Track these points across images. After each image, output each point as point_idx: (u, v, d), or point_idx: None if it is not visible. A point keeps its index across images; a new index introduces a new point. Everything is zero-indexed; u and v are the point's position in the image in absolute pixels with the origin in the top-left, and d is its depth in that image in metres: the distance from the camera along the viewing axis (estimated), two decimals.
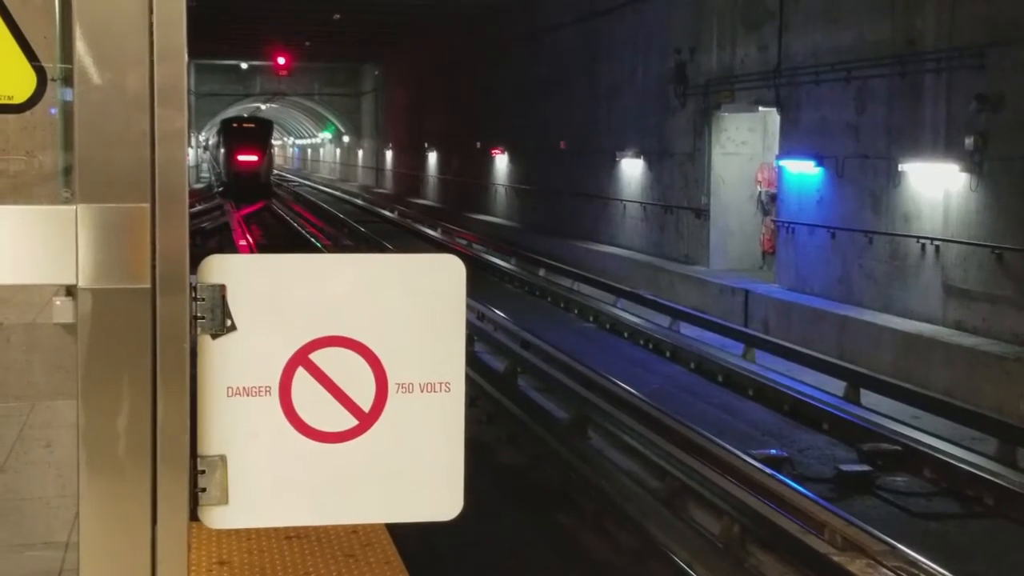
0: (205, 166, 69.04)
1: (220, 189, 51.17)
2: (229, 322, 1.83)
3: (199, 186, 51.02)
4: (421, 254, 1.96)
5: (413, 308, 1.93)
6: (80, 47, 1.67)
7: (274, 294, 1.86)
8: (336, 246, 30.38)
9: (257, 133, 53.29)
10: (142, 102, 1.69)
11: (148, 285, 1.71)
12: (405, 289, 1.93)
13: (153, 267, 1.71)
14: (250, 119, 57.55)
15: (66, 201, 1.69)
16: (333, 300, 1.89)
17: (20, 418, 3.76)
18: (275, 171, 66.03)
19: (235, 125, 54.52)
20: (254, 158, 51.38)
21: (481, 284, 22.00)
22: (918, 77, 14.64)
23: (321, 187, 64.66)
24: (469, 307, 1.93)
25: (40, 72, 1.72)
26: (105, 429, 1.73)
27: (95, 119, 1.69)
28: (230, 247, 27.42)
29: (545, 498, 9.93)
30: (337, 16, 35.82)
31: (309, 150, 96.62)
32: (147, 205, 1.70)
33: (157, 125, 1.70)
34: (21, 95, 1.74)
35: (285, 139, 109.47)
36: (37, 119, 3.97)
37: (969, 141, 13.41)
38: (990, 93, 13.22)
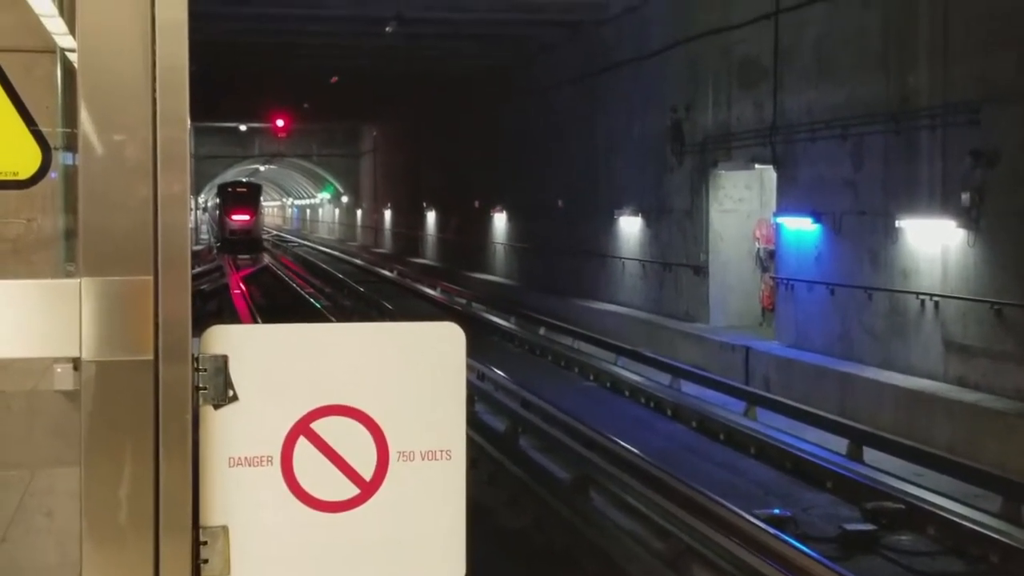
0: (204, 227, 69.76)
1: (219, 245, 57.08)
2: (231, 392, 1.84)
3: (198, 247, 51.27)
4: (421, 323, 1.97)
5: (414, 376, 1.94)
6: (84, 120, 1.69)
7: (275, 364, 1.87)
8: (335, 306, 30.40)
9: (248, 196, 60.88)
10: (144, 170, 1.71)
11: (151, 356, 1.72)
12: (406, 358, 1.94)
13: (156, 338, 1.72)
14: (242, 184, 64.65)
15: (69, 274, 1.71)
16: (334, 369, 1.90)
17: (20, 486, 3.75)
18: (275, 232, 76.88)
19: (230, 189, 61.73)
20: (247, 217, 58.86)
21: (481, 344, 21.99)
22: (913, 133, 14.74)
23: (320, 247, 64.80)
24: (469, 367, 1.95)
25: (45, 147, 1.74)
26: (108, 499, 1.74)
27: (99, 191, 1.71)
28: (229, 309, 27.42)
29: (548, 560, 9.86)
30: (335, 79, 36.09)
31: (308, 210, 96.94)
32: (150, 277, 1.72)
33: (160, 192, 1.72)
34: (26, 171, 1.76)
35: (284, 200, 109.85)
36: (37, 184, 3.99)
37: (965, 197, 13.47)
38: (985, 149, 13.29)
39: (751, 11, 18.84)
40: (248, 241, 56.21)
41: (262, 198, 64.86)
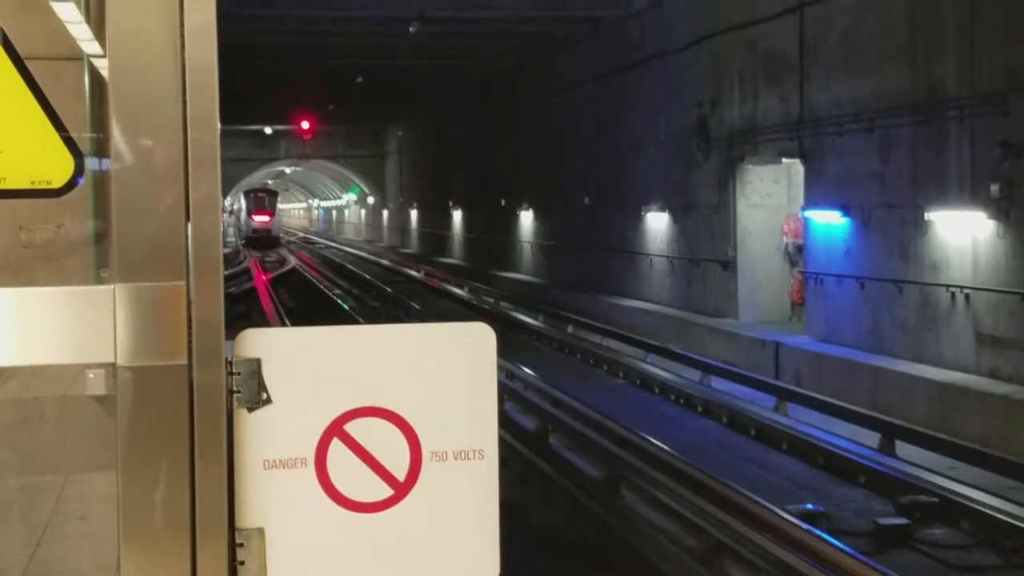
0: (231, 231, 70.97)
1: (244, 242, 65.76)
2: (264, 395, 1.84)
3: (226, 251, 51.47)
4: (452, 323, 1.98)
5: (445, 377, 1.94)
6: (115, 125, 1.70)
7: (308, 366, 1.87)
8: (363, 307, 30.47)
9: (268, 200, 70.88)
10: (176, 174, 1.72)
11: (184, 361, 1.73)
12: (437, 358, 1.94)
13: (189, 342, 1.73)
14: (263, 189, 73.82)
15: (102, 279, 1.71)
16: (366, 371, 1.90)
17: (55, 491, 3.77)
18: (301, 233, 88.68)
19: (252, 194, 70.95)
20: (267, 218, 69.08)
21: (510, 343, 22.01)
22: (941, 125, 14.65)
23: (346, 248, 65.08)
24: (498, 366, 1.95)
25: (77, 155, 1.75)
26: (144, 502, 1.74)
27: (131, 196, 1.71)
28: (257, 311, 27.53)
29: (581, 558, 9.86)
30: (360, 79, 36.17)
31: (334, 212, 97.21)
32: (183, 282, 1.72)
33: (192, 196, 1.73)
34: (60, 179, 1.77)
35: (310, 201, 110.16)
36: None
37: (995, 188, 13.39)
38: (1014, 140, 13.21)
39: (776, 5, 18.79)
40: (268, 238, 66.33)
41: (279, 202, 75.59)
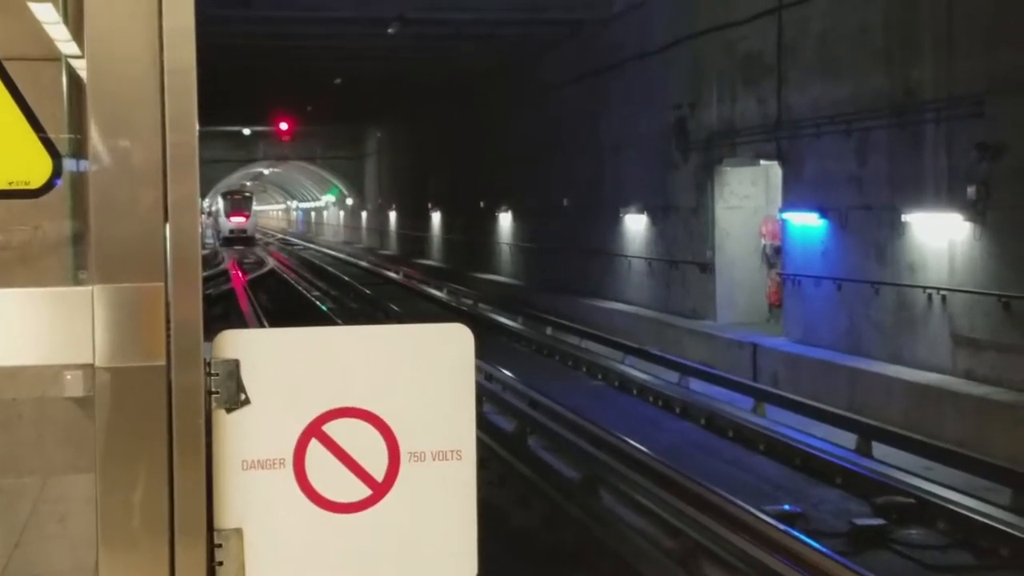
0: (209, 232, 71.19)
1: (221, 243, 69.14)
2: (243, 396, 1.85)
3: (204, 252, 51.32)
4: (430, 324, 1.98)
5: (423, 378, 1.95)
6: (93, 126, 1.70)
7: (286, 367, 1.88)
8: (341, 309, 30.42)
9: (244, 202, 75.69)
10: (154, 175, 1.72)
11: (163, 362, 1.73)
12: (415, 359, 1.95)
13: (168, 343, 1.73)
14: (238, 192, 77.92)
15: (81, 280, 1.72)
16: (344, 372, 1.91)
17: (33, 493, 3.76)
18: (279, 235, 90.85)
19: (229, 196, 75.20)
20: (243, 219, 73.68)
21: (488, 344, 22.00)
22: (918, 127, 14.73)
23: (326, 250, 64.96)
24: (477, 368, 1.96)
25: (55, 156, 1.75)
26: (123, 504, 1.75)
27: (109, 197, 1.72)
28: (236, 313, 27.45)
29: (559, 560, 9.87)
30: (338, 80, 36.11)
31: (313, 213, 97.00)
32: (161, 284, 1.73)
33: (170, 197, 1.73)
34: (38, 180, 1.77)
35: (288, 203, 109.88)
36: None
37: (971, 190, 13.47)
38: (990, 142, 13.29)
39: (754, 6, 18.85)
40: (245, 238, 71.24)
41: (255, 203, 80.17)
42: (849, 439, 13.07)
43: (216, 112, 42.44)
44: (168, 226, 1.73)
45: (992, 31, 13.39)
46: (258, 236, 77.51)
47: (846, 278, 16.47)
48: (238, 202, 74.93)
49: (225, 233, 72.14)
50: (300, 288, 36.33)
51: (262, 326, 22.79)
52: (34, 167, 1.76)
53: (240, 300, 30.38)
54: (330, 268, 46.75)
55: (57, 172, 1.76)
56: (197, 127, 1.76)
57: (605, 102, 26.12)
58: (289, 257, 58.00)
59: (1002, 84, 13.15)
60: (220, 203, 76.78)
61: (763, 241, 20.51)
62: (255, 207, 79.82)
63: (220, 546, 1.84)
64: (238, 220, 73.18)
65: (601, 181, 26.46)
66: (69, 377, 1.74)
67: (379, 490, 1.93)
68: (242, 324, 23.91)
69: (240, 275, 40.15)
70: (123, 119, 1.72)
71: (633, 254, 24.66)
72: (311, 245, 72.96)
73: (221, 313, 26.59)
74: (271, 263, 50.06)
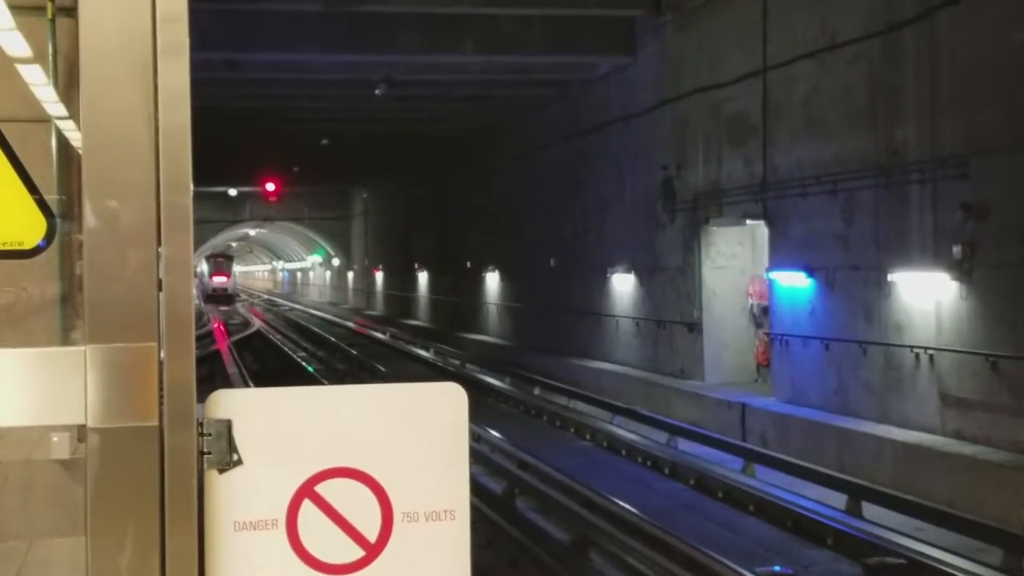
0: (194, 291, 71.27)
1: (204, 300, 72.03)
2: (235, 456, 1.83)
3: None
4: (423, 384, 1.98)
5: (417, 437, 1.94)
6: (88, 187, 1.70)
7: (279, 427, 1.87)
8: (328, 370, 30.31)
9: (226, 263, 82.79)
10: (148, 236, 1.72)
11: (156, 423, 1.72)
12: (408, 418, 1.94)
13: (160, 404, 1.72)
14: (221, 254, 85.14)
15: (71, 341, 1.71)
16: (337, 432, 1.90)
17: (19, 557, 3.72)
18: (265, 296, 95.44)
19: (212, 258, 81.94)
20: (224, 279, 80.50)
21: (476, 405, 21.79)
22: (903, 188, 14.82)
23: (311, 310, 64.92)
24: None
25: (49, 216, 1.75)
26: (114, 567, 1.73)
27: (103, 258, 1.71)
28: (221, 373, 27.34)
29: None
30: (325, 141, 36.26)
31: (299, 274, 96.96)
32: (154, 344, 1.72)
33: (164, 258, 1.73)
34: (31, 240, 1.77)
35: (274, 263, 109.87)
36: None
37: (957, 250, 13.53)
38: (975, 202, 13.38)
39: (739, 68, 19.02)
40: (225, 296, 77.21)
41: (235, 264, 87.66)
42: (839, 499, 13.03)
43: (203, 173, 42.46)
44: (161, 287, 1.73)
45: (975, 93, 13.52)
46: (242, 296, 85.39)
47: (834, 338, 16.48)
48: (220, 263, 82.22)
49: (208, 291, 78.05)
50: (286, 349, 36.24)
51: (248, 387, 22.68)
52: (28, 228, 1.76)
53: (225, 361, 30.26)
54: (316, 328, 46.67)
55: (51, 233, 1.76)
56: (192, 188, 1.76)
57: (591, 162, 26.27)
58: (276, 318, 57.92)
59: (985, 145, 13.26)
60: (204, 265, 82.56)
61: (750, 301, 20.55)
62: (236, 268, 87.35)
63: None
64: (220, 280, 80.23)
65: (588, 241, 26.54)
66: (56, 439, 1.72)
67: (372, 551, 1.91)
68: (228, 386, 23.80)
69: (225, 335, 40.03)
70: (118, 180, 1.73)
71: (620, 314, 24.67)
72: (297, 306, 72.93)
73: (207, 374, 26.49)
74: (257, 323, 49.99)
